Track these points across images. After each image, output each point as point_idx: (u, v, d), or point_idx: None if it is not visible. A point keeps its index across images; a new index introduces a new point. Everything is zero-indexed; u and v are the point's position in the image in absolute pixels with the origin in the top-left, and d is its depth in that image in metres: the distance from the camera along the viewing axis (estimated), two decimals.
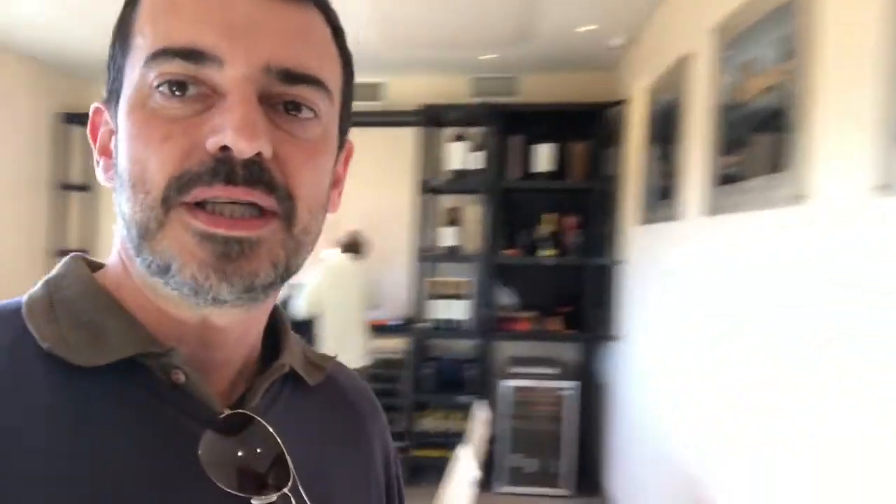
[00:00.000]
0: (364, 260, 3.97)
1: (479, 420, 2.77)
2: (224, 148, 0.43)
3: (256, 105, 0.44)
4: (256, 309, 0.50)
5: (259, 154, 0.44)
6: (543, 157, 4.17)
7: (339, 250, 3.90)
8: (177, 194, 0.43)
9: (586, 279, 4.18)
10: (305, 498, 0.48)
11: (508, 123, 4.18)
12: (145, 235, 0.44)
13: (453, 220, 4.34)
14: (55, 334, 0.45)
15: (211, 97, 0.44)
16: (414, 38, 3.88)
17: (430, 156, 4.34)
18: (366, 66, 4.43)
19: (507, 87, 4.57)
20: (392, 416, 4.43)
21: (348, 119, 0.55)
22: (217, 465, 0.45)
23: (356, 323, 3.83)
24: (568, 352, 4.43)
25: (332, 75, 0.50)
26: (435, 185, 4.33)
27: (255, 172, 0.44)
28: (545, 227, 4.30)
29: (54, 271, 0.51)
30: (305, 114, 0.47)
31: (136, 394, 0.46)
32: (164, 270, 0.44)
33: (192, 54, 0.44)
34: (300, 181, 0.47)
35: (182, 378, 0.47)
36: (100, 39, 4.02)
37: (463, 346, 4.43)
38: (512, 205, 4.31)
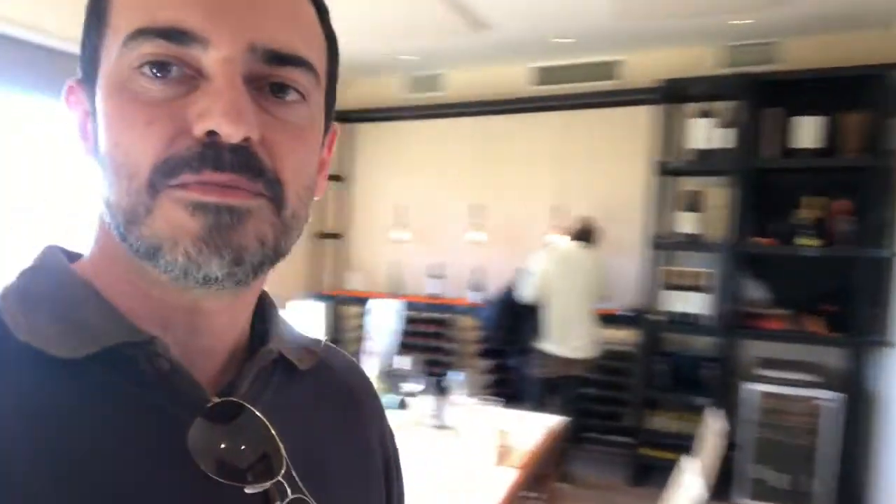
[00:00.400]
0: (595, 248, 3.82)
1: (713, 430, 2.51)
2: (211, 133, 0.41)
3: (243, 88, 0.43)
4: (244, 293, 0.49)
5: (247, 139, 0.42)
6: (807, 131, 3.63)
7: (568, 237, 3.80)
8: (163, 178, 0.42)
9: (858, 274, 3.58)
10: (300, 484, 0.47)
11: (764, 95, 3.71)
12: (133, 220, 0.43)
13: (693, 204, 3.98)
14: (32, 326, 0.44)
15: (195, 78, 0.43)
16: (652, 7, 3.60)
17: (668, 135, 4.03)
18: (597, 43, 4.24)
19: (764, 54, 4.05)
20: (620, 410, 4.25)
21: (333, 101, 0.53)
22: (207, 454, 0.44)
23: (583, 312, 3.72)
24: (830, 357, 3.83)
25: (318, 56, 0.48)
26: (674, 167, 4.02)
27: (243, 158, 0.43)
28: (807, 212, 3.75)
29: (30, 263, 0.49)
30: (292, 96, 0.46)
31: (121, 385, 0.45)
32: (154, 253, 0.43)
33: (174, 34, 0.42)
34: (288, 165, 0.45)
35: (167, 367, 0.45)
36: (347, 45, 4.37)
37: (700, 343, 4.08)
38: (765, 187, 3.83)
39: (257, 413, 0.47)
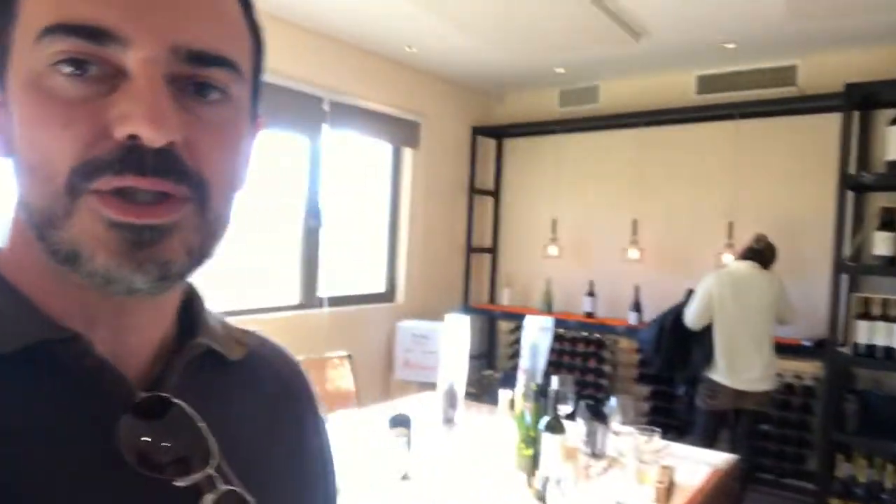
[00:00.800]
0: (771, 270, 3.46)
1: None
2: (133, 136, 0.40)
3: (165, 90, 0.41)
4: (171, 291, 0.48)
5: (171, 143, 0.41)
6: None
7: (741, 258, 3.48)
8: (83, 182, 0.41)
9: None
10: (232, 476, 0.47)
11: None
12: (50, 223, 0.42)
13: (890, 223, 3.50)
14: None
15: (115, 77, 0.41)
16: (831, 4, 3.23)
17: (858, 146, 3.58)
18: (772, 47, 3.88)
19: None
20: (801, 452, 3.81)
21: (258, 95, 0.51)
22: (135, 449, 0.43)
23: (757, 341, 3.36)
24: None
25: (243, 54, 0.47)
26: (866, 181, 3.56)
27: (166, 161, 0.41)
28: None
29: None
30: (215, 95, 0.45)
31: (45, 383, 0.44)
32: (73, 259, 0.41)
33: (93, 33, 0.40)
34: (212, 167, 0.44)
35: (92, 363, 0.44)
36: (503, 61, 4.41)
37: None
38: None
39: (186, 407, 0.46)
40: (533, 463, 2.18)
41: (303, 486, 0.58)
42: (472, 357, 5.21)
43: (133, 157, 0.40)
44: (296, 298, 4.10)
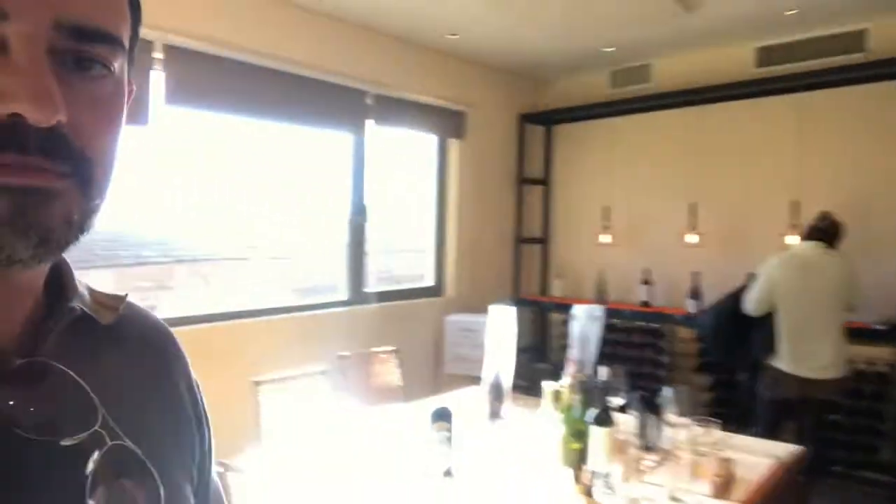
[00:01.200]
0: (839, 250, 3.21)
1: None
2: (15, 114, 0.39)
3: (48, 66, 0.41)
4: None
5: (58, 122, 0.41)
6: None
7: (807, 238, 3.25)
8: None
9: None
10: (118, 431, 0.48)
11: None
12: None
13: None
14: None
15: None
16: None
17: None
18: (839, 11, 3.62)
19: None
20: (874, 442, 3.56)
21: (133, 61, 0.51)
22: (17, 414, 0.43)
23: (824, 326, 3.13)
24: None
25: (124, 26, 0.47)
26: None
27: (51, 141, 0.41)
28: None
29: None
30: (98, 70, 0.44)
31: None
32: None
33: None
34: (96, 143, 0.45)
35: None
36: (547, 43, 4.28)
37: None
38: None
39: (65, 369, 0.47)
40: (580, 457, 2.08)
41: (178, 443, 0.59)
42: (524, 350, 5.10)
43: (16, 136, 0.40)
44: (343, 295, 4.09)
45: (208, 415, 0.65)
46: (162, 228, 3.59)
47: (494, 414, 2.79)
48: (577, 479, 1.99)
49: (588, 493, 1.89)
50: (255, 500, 1.95)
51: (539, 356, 5.12)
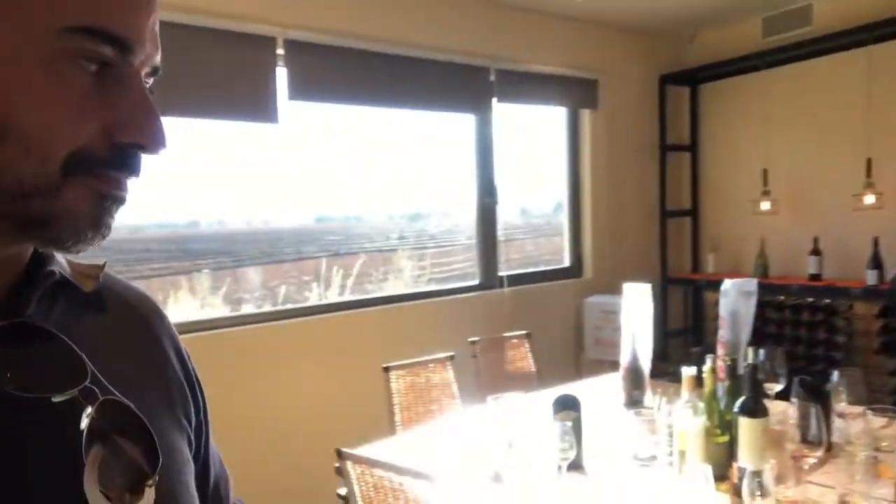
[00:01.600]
0: None
1: None
2: (138, 145, 0.47)
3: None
4: None
5: None
6: None
7: None
8: (77, 168, 0.45)
9: None
10: (109, 387, 0.48)
11: None
12: (38, 194, 0.45)
13: None
14: None
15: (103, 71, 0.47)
16: None
17: None
18: None
19: None
20: None
21: None
22: (4, 374, 0.44)
23: None
24: None
25: None
26: None
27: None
28: None
29: None
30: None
31: None
32: (47, 224, 0.46)
33: (123, 44, 0.46)
34: None
35: None
36: None
37: None
38: None
39: (50, 328, 0.48)
40: (727, 453, 1.81)
41: (171, 404, 0.59)
42: (675, 332, 4.74)
43: (133, 160, 0.48)
44: (475, 279, 3.99)
45: (200, 382, 0.66)
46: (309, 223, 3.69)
47: (634, 402, 2.56)
48: (724, 477, 1.74)
49: (736, 493, 1.64)
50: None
51: (693, 339, 4.73)
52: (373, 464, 1.80)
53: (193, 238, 3.30)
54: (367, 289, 3.64)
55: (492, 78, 3.90)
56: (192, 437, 0.61)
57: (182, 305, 3.15)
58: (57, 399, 0.45)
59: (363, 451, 2.04)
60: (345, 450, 1.86)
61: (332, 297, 3.52)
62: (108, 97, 0.46)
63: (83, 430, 0.45)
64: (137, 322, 0.61)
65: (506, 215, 4.14)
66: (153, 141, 0.47)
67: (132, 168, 0.48)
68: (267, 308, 3.28)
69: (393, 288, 3.75)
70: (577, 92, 4.34)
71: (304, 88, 3.20)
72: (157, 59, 0.50)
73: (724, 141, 4.62)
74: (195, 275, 3.22)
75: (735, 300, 2.51)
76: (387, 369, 2.78)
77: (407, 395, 2.82)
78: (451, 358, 2.95)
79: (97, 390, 0.47)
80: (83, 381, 0.46)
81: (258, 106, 3.09)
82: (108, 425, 0.47)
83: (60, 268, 0.54)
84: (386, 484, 1.80)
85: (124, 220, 2.87)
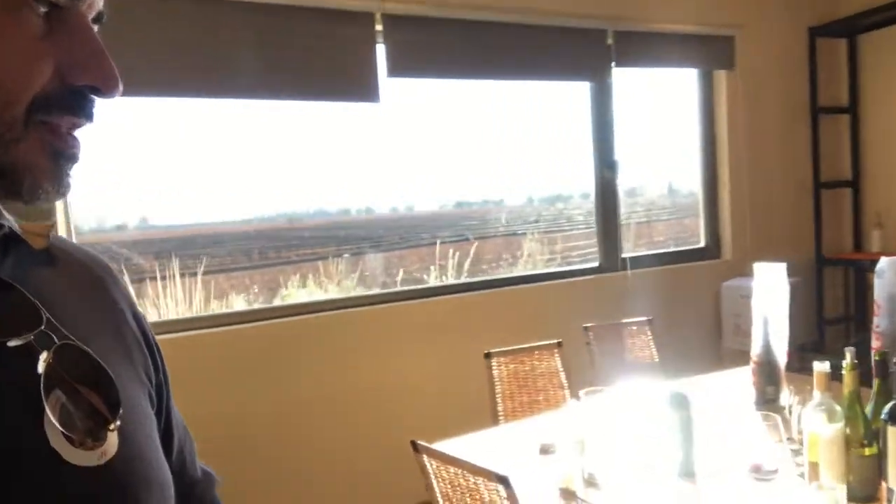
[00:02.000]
0: None
1: None
2: (92, 87, 0.48)
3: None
4: None
5: None
6: None
7: None
8: (36, 113, 0.45)
9: None
10: (65, 332, 0.49)
11: None
12: None
13: None
14: None
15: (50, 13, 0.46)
16: None
17: None
18: None
19: None
20: None
21: None
22: None
23: None
24: None
25: None
26: None
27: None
28: None
29: None
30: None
31: None
32: (5, 175, 0.46)
33: None
34: None
35: None
36: None
37: None
38: None
39: (3, 277, 0.48)
40: (874, 468, 1.47)
41: (128, 357, 0.58)
42: (833, 320, 4.16)
43: (87, 103, 0.49)
44: (595, 261, 3.71)
45: (159, 346, 0.65)
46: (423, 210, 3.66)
47: (768, 400, 2.21)
48: (871, 498, 1.41)
49: None
50: None
51: (856, 328, 4.12)
52: (447, 460, 1.65)
53: (342, 225, 3.43)
54: (493, 273, 3.54)
55: (609, 41, 3.58)
56: (154, 396, 0.61)
57: (315, 289, 3.23)
58: (12, 343, 0.45)
59: (451, 444, 1.90)
60: (421, 442, 1.72)
61: (449, 280, 3.44)
62: (59, 39, 0.46)
63: (41, 375, 0.46)
64: (92, 279, 0.61)
65: (649, 194, 3.83)
66: (107, 83, 0.47)
67: (86, 112, 0.48)
68: (375, 290, 3.23)
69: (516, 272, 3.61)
70: (708, 51, 3.88)
71: (403, 64, 3.09)
72: (101, 2, 0.50)
73: (891, 100, 3.95)
74: (337, 259, 3.29)
75: (893, 282, 2.08)
76: (488, 355, 2.62)
77: (510, 383, 2.65)
78: (559, 345, 2.73)
79: (54, 336, 0.47)
80: (38, 327, 0.47)
81: (359, 85, 3.02)
82: (67, 371, 0.47)
83: (9, 222, 0.53)
84: (462, 482, 1.64)
85: (282, 209, 3.11)
